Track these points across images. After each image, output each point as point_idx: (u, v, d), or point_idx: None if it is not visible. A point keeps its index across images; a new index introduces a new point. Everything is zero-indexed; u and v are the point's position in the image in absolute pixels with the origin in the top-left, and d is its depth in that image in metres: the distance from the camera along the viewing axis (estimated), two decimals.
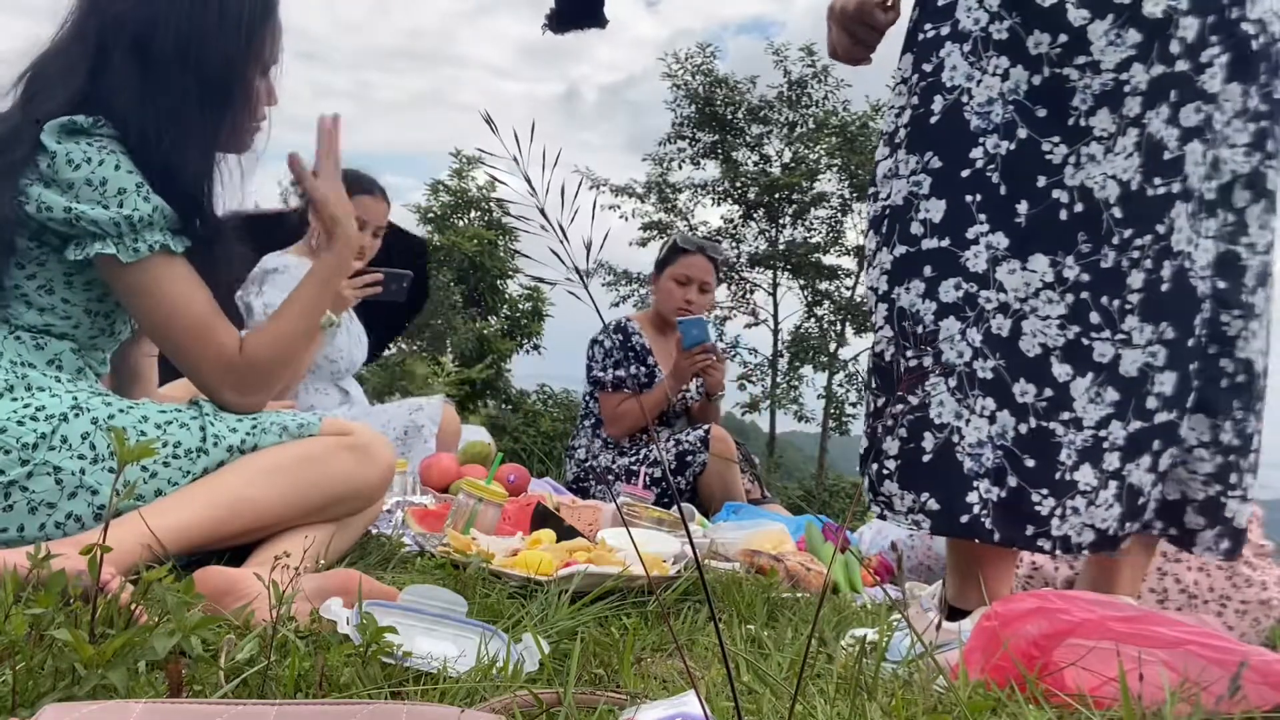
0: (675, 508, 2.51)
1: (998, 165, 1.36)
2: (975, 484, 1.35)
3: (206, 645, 0.85)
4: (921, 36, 1.45)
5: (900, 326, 1.39)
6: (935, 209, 1.39)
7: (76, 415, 1.29)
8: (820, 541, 2.38)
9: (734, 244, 18.44)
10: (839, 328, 17.81)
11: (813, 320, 18.18)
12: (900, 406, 1.37)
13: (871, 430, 1.40)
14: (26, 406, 1.27)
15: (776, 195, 17.70)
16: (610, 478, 3.23)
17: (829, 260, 18.16)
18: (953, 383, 1.36)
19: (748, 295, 18.10)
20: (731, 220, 18.40)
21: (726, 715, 0.84)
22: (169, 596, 0.78)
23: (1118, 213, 1.32)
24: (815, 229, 18.32)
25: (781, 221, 18.32)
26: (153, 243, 1.34)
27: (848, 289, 17.95)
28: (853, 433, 17.36)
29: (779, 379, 17.95)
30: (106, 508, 1.10)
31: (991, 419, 1.36)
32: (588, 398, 3.48)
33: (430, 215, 14.46)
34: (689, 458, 3.22)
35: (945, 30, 1.42)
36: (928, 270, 1.38)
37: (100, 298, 1.40)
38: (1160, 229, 1.33)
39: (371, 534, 1.70)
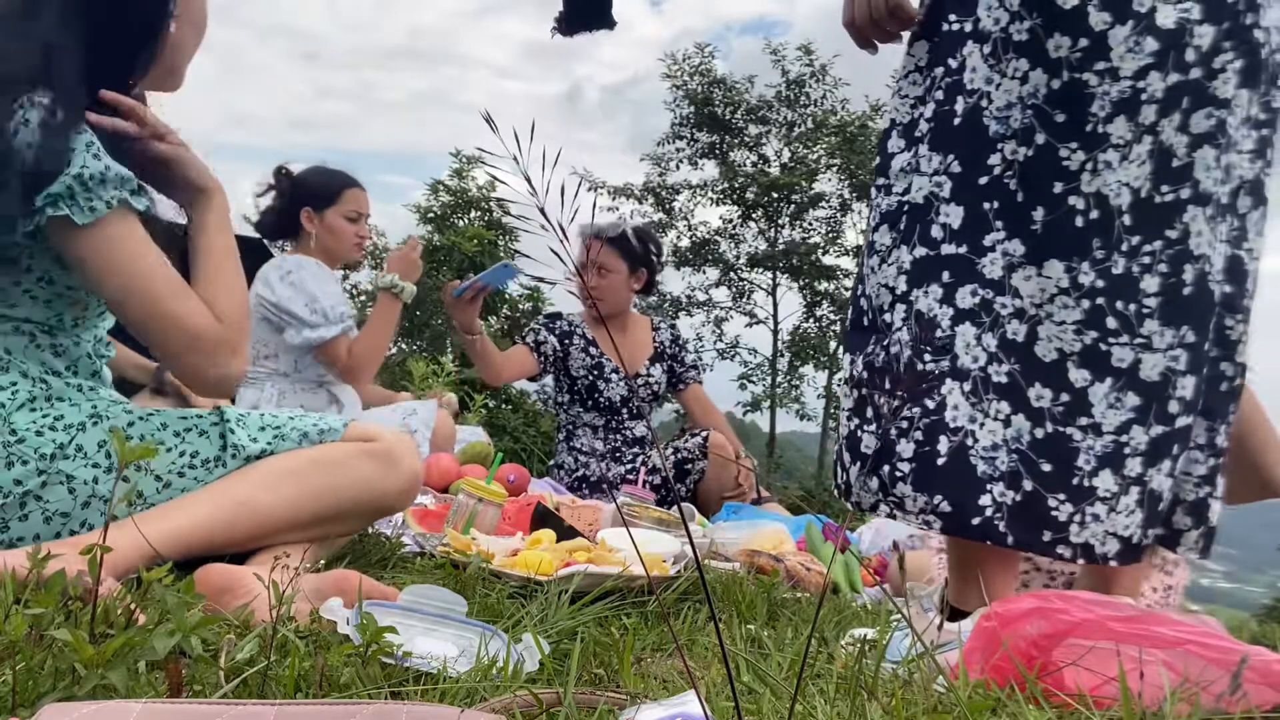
0: (675, 507, 2.51)
1: (1015, 172, 1.36)
2: (989, 487, 1.35)
3: (206, 645, 0.84)
4: (945, 27, 1.43)
5: (917, 330, 1.39)
6: (954, 215, 1.39)
7: (95, 424, 1.28)
8: (820, 541, 2.37)
9: (733, 244, 18.44)
10: (838, 327, 17.83)
11: (812, 320, 18.20)
12: (916, 409, 1.37)
13: (884, 432, 1.39)
14: (45, 416, 1.26)
15: (775, 195, 17.71)
16: (605, 487, 3.20)
17: (828, 260, 18.18)
18: (968, 387, 1.36)
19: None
20: (730, 221, 18.41)
21: (726, 715, 0.84)
22: (169, 596, 0.78)
23: (1128, 220, 1.33)
24: (814, 229, 18.35)
25: (780, 222, 18.33)
26: (110, 199, 1.22)
27: (846, 289, 17.98)
28: None
29: (779, 379, 17.96)
30: (113, 513, 1.09)
31: (1006, 423, 1.35)
32: (556, 408, 3.44)
33: (430, 215, 14.46)
34: (688, 465, 3.22)
35: (968, 27, 1.40)
36: (946, 276, 1.38)
37: None
38: (1172, 234, 1.33)
39: (371, 533, 1.70)
